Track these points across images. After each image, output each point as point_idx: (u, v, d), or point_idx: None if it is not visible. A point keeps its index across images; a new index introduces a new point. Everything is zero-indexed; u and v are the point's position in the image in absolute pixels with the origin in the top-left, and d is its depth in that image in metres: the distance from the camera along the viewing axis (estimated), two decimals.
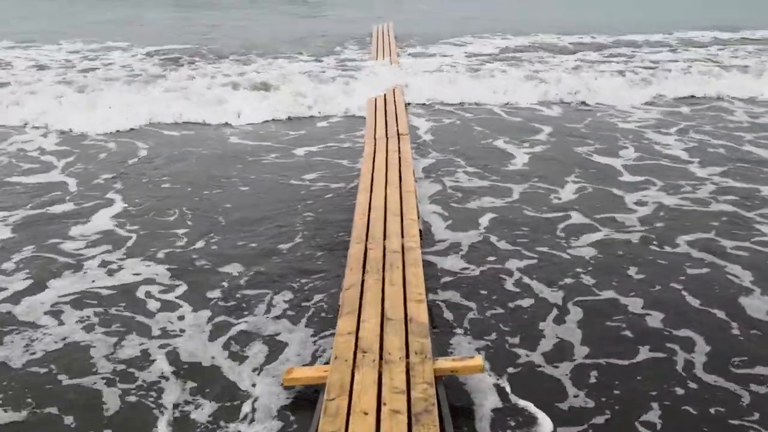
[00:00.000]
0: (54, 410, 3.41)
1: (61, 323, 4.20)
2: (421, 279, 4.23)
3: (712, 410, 3.35)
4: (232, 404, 3.43)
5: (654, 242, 5.28)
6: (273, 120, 9.27)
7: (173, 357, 3.84)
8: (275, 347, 3.92)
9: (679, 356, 3.79)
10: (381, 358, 3.40)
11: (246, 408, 3.39)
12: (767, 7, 22.78)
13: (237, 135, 8.65)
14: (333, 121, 9.33)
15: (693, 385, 3.54)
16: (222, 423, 3.30)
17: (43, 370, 3.74)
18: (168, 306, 4.41)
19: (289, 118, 9.34)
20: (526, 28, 17.52)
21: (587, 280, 4.68)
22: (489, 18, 20.07)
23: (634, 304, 4.34)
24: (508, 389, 3.50)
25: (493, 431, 3.21)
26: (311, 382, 3.46)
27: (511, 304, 4.37)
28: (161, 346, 3.94)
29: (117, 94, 10.33)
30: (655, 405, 3.38)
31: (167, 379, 3.64)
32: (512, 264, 4.91)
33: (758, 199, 6.18)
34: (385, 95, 9.92)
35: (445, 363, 3.44)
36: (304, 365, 3.71)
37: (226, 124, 9.08)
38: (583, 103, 10.12)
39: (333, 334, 3.78)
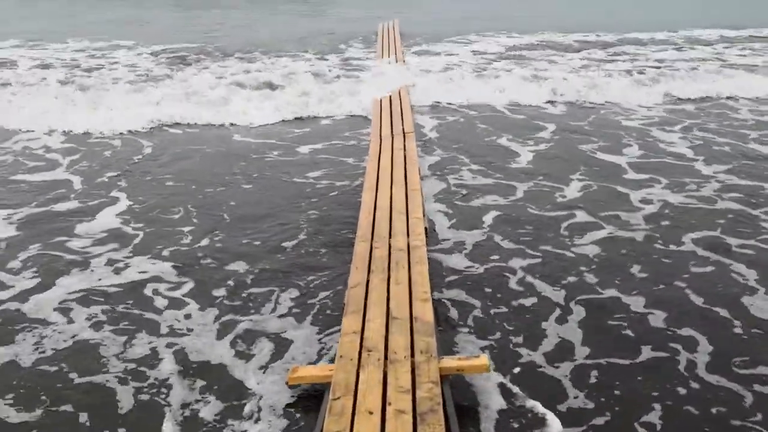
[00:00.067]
0: (68, 408, 3.43)
1: (70, 321, 4.23)
2: (426, 278, 4.23)
3: (714, 410, 3.36)
4: (239, 403, 3.45)
5: (659, 240, 5.28)
6: (278, 119, 9.25)
7: (181, 356, 3.86)
8: (281, 345, 3.95)
9: (682, 356, 3.79)
10: (386, 357, 3.41)
11: (252, 406, 3.42)
12: (767, 6, 22.70)
13: (241, 133, 8.66)
14: (338, 119, 9.33)
15: (695, 385, 3.55)
16: (229, 421, 3.32)
17: (53, 369, 3.76)
18: (175, 304, 4.44)
19: (295, 118, 9.33)
20: (528, 27, 17.48)
21: (591, 278, 4.69)
22: (489, 17, 20.03)
23: (637, 303, 4.35)
24: (515, 389, 3.49)
25: (500, 431, 3.23)
26: (316, 381, 3.47)
27: (515, 303, 4.38)
28: (169, 345, 3.97)
29: (122, 93, 10.37)
30: (657, 405, 3.39)
31: (176, 377, 3.67)
32: (516, 262, 4.92)
33: (763, 197, 6.17)
34: (390, 95, 9.90)
35: (450, 362, 3.43)
36: (309, 363, 3.73)
37: (231, 124, 9.07)
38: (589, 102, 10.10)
39: (338, 332, 3.81)
